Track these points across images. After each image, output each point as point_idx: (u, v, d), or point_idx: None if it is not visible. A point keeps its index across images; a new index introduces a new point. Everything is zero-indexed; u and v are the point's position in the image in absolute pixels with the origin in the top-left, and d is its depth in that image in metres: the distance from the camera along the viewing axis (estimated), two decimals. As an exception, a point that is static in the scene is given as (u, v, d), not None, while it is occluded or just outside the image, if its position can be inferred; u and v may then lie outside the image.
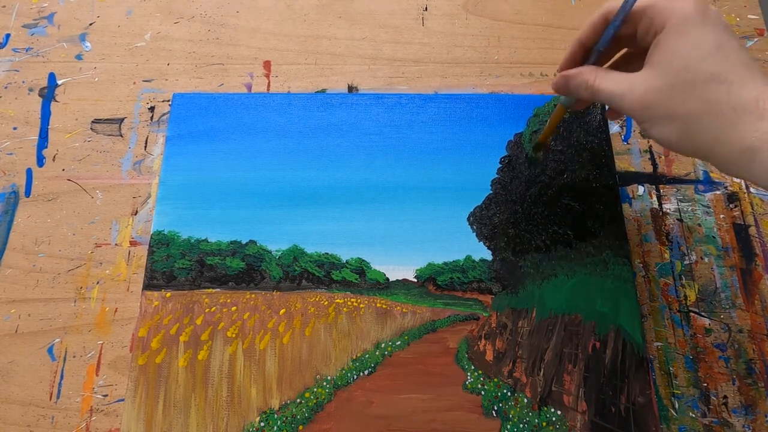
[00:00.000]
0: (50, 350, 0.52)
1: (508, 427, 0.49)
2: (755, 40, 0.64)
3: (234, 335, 0.53)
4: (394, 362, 0.52)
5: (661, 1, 0.37)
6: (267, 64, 0.65)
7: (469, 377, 0.51)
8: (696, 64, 0.35)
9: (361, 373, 0.52)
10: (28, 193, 0.58)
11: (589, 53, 0.43)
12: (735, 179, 0.58)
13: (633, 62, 0.43)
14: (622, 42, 0.43)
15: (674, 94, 0.36)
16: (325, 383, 0.51)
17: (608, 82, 0.40)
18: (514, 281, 0.55)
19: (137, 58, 0.65)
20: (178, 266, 0.55)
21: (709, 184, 0.58)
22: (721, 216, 0.57)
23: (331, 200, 0.58)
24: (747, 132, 0.34)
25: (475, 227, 0.56)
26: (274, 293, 0.55)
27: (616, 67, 0.45)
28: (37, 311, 0.54)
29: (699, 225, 0.56)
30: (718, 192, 0.58)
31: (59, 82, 0.64)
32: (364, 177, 0.59)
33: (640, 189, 0.58)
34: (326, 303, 0.55)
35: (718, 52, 0.35)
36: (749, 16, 0.66)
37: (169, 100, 0.62)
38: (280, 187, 0.58)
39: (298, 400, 0.50)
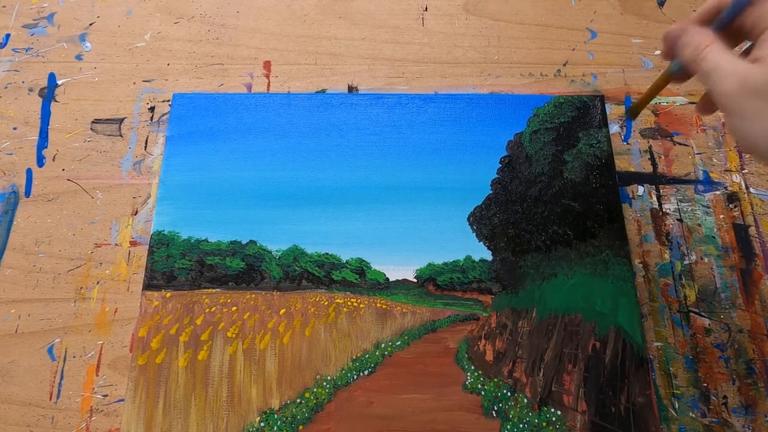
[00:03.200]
0: (50, 350, 0.52)
1: (508, 427, 0.49)
2: (755, 40, 0.64)
3: (234, 335, 0.53)
4: (394, 362, 0.52)
5: None
6: (267, 64, 0.65)
7: (469, 377, 0.51)
8: None
9: (361, 373, 0.52)
10: (28, 193, 0.58)
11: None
12: (735, 179, 0.58)
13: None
14: (735, 35, 0.40)
15: None
16: (325, 383, 0.51)
17: (718, 54, 0.37)
18: (514, 281, 0.55)
19: (137, 58, 0.65)
20: (178, 266, 0.55)
21: (709, 184, 0.58)
22: (721, 216, 0.57)
23: (331, 200, 0.58)
24: None
25: (475, 227, 0.56)
26: (274, 293, 0.55)
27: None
28: (37, 311, 0.54)
29: (699, 225, 0.56)
30: (717, 192, 0.58)
31: (59, 82, 0.64)
32: (364, 177, 0.59)
33: (640, 189, 0.58)
34: (326, 303, 0.55)
35: None
36: (749, 17, 0.66)
37: (169, 100, 0.62)
38: (280, 187, 0.58)
39: (298, 400, 0.50)
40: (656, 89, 0.47)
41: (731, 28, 0.39)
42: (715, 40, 0.38)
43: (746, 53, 0.40)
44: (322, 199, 0.58)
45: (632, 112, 0.53)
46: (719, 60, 0.37)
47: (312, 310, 0.54)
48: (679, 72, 0.43)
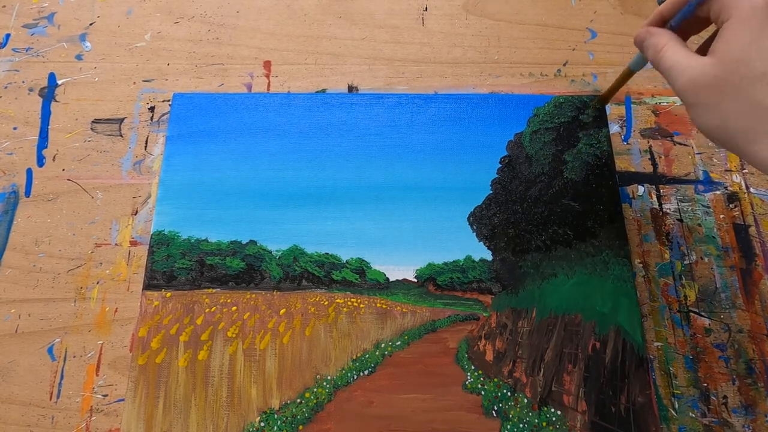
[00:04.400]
0: (50, 350, 0.52)
1: (508, 427, 0.49)
2: (755, 40, 0.64)
3: (234, 335, 0.53)
4: (394, 362, 0.52)
5: None
6: (267, 64, 0.65)
7: (469, 377, 0.51)
8: (750, 60, 0.35)
9: (361, 373, 0.52)
10: (28, 193, 0.58)
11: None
12: (735, 179, 0.58)
13: None
14: (703, 22, 0.42)
15: (723, 87, 0.36)
16: (325, 383, 0.51)
17: (673, 54, 0.40)
18: (514, 281, 0.55)
19: (137, 58, 0.65)
20: (178, 266, 0.55)
21: (709, 184, 0.58)
22: (721, 216, 0.57)
23: (331, 200, 0.58)
24: None
25: (475, 227, 0.56)
26: (274, 293, 0.55)
27: (706, 44, 0.44)
28: (37, 311, 0.54)
29: (699, 225, 0.56)
30: (718, 192, 0.58)
31: (59, 82, 0.64)
32: (364, 177, 0.59)
33: (640, 189, 0.58)
34: (326, 303, 0.55)
35: None
36: (749, 16, 0.66)
37: (169, 100, 0.62)
38: (280, 187, 0.58)
39: (298, 400, 0.50)
40: (620, 83, 0.55)
41: (698, 17, 0.41)
42: (672, 39, 0.41)
43: (709, 42, 0.43)
44: (322, 199, 0.58)
45: (601, 101, 0.60)
46: (675, 58, 0.40)
47: (312, 310, 0.54)
48: (638, 68, 0.50)
